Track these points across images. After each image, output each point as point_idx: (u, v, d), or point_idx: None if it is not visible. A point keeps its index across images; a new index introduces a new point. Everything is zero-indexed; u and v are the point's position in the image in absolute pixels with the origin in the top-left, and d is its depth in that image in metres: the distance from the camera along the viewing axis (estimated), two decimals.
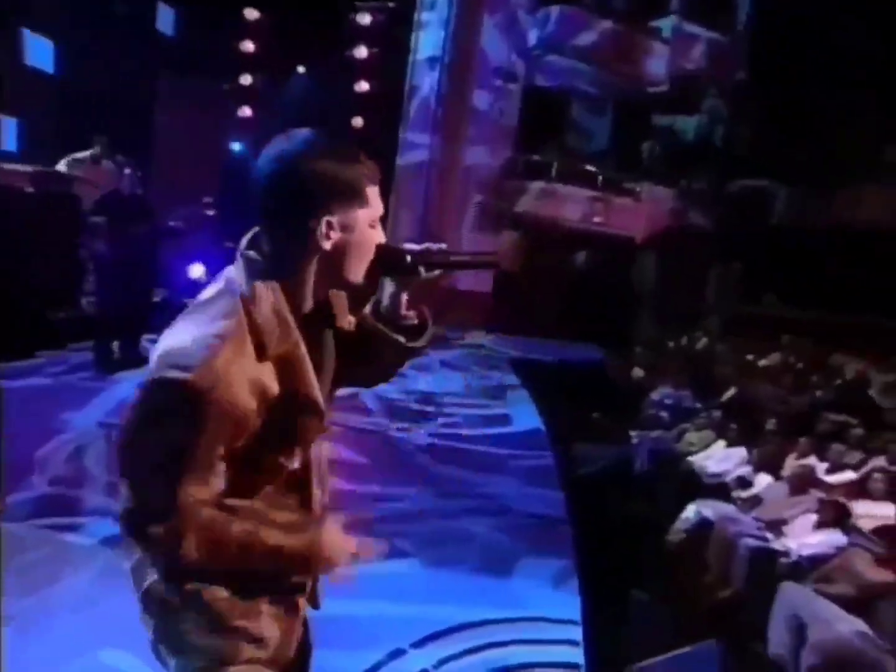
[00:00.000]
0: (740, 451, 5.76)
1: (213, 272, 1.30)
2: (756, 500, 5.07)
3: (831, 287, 9.53)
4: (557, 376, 7.60)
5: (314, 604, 1.40)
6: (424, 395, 6.66)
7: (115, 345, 5.72)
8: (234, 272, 1.22)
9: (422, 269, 1.27)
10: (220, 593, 1.25)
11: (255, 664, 1.28)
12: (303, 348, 1.22)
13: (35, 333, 5.84)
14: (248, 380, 1.16)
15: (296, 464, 1.27)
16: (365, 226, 1.22)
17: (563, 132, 11.76)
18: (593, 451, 5.88)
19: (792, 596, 3.96)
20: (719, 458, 5.83)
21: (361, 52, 10.88)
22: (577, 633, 3.33)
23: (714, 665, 3.24)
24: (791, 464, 5.40)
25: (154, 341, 1.25)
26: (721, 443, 6.05)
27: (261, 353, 1.17)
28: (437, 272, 1.28)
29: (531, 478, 5.17)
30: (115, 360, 5.67)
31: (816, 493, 4.81)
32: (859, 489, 4.89)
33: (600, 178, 10.90)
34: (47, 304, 6.26)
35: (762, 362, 8.64)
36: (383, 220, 1.30)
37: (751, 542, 4.48)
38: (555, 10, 10.82)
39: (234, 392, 1.14)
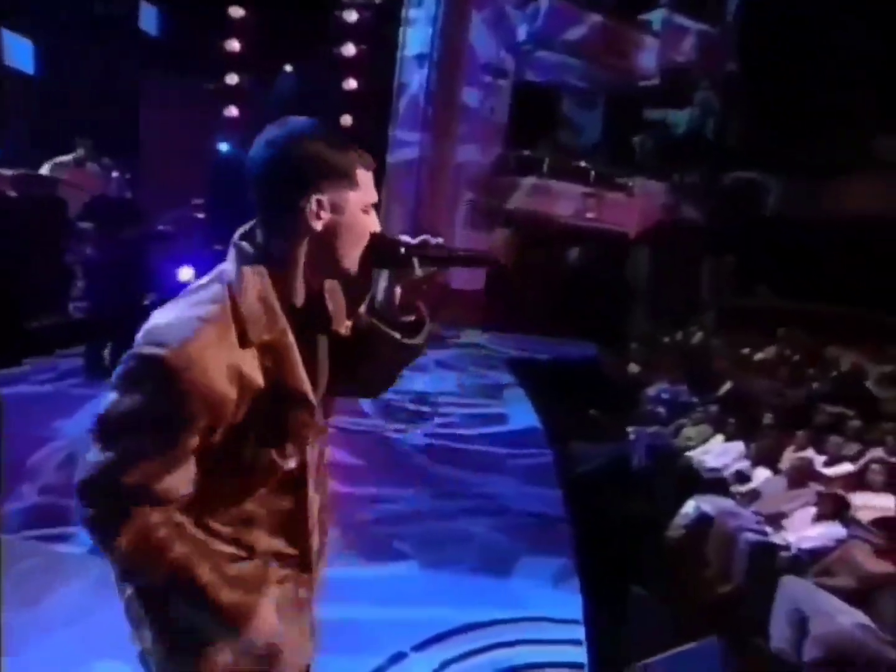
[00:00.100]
0: (738, 446, 5.76)
1: (202, 275, 1.27)
2: (755, 494, 5.07)
3: (825, 279, 9.54)
4: (553, 374, 7.58)
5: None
6: (420, 395, 6.61)
7: (106, 350, 5.66)
8: (226, 262, 1.22)
9: (416, 263, 1.23)
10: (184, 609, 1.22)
11: None
12: (290, 338, 1.19)
13: (22, 340, 5.76)
14: (227, 365, 1.13)
15: (291, 463, 1.23)
16: (356, 209, 1.20)
17: (554, 128, 11.72)
18: (591, 449, 5.87)
19: (793, 589, 3.95)
20: (717, 453, 5.82)
21: (349, 49, 10.76)
22: (579, 632, 3.31)
23: (717, 661, 3.23)
24: (789, 457, 5.40)
25: None
26: (719, 437, 6.04)
27: (245, 341, 1.15)
28: (432, 269, 1.25)
29: (529, 477, 5.15)
30: (106, 365, 5.60)
31: (815, 486, 4.81)
32: (857, 481, 4.90)
33: (592, 173, 10.87)
34: (34, 310, 6.17)
35: (758, 356, 8.66)
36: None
37: (751, 536, 4.47)
38: (544, 5, 10.73)
39: (210, 376, 1.12)
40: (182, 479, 1.17)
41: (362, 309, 1.32)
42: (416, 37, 10.64)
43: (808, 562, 4.21)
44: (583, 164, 11.01)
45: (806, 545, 4.33)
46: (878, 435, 5.67)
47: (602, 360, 8.56)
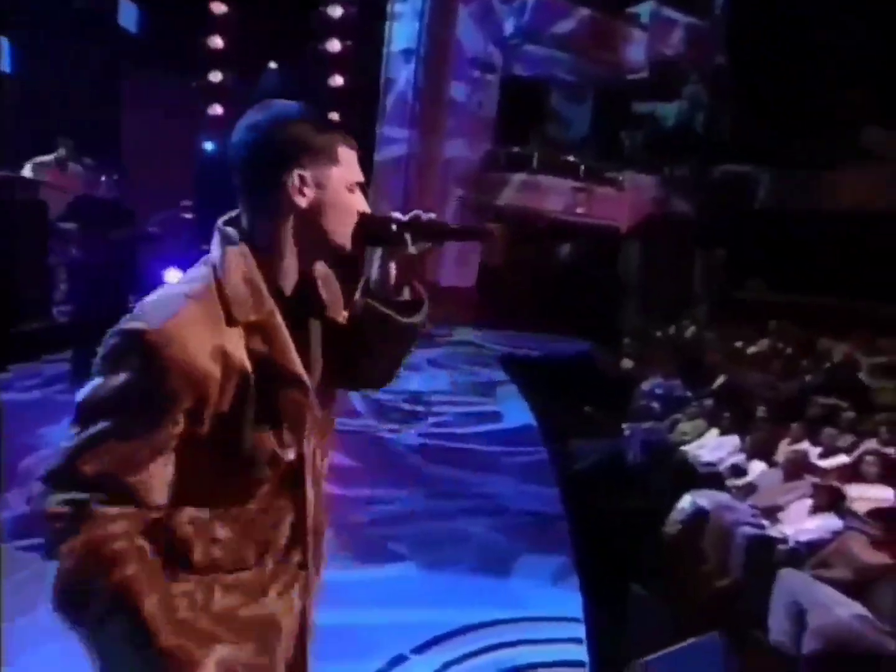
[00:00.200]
0: (733, 440, 5.76)
1: None
2: (751, 488, 5.07)
3: (816, 271, 9.59)
4: (546, 371, 7.56)
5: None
6: (413, 394, 6.57)
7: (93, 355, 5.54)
8: (211, 246, 1.19)
9: (408, 239, 1.19)
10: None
11: None
12: (279, 319, 1.16)
13: (5, 346, 5.65)
14: (210, 343, 1.10)
15: (290, 454, 1.18)
16: (340, 186, 1.18)
17: (542, 122, 11.70)
18: (586, 446, 5.85)
19: (790, 582, 3.95)
20: (712, 447, 5.82)
21: (334, 45, 10.60)
22: (579, 630, 3.29)
23: (719, 656, 3.22)
24: (784, 450, 5.40)
25: None
26: (714, 431, 6.04)
27: (230, 320, 1.12)
28: (427, 245, 1.21)
29: (525, 475, 5.13)
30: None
31: (810, 478, 4.81)
32: (852, 472, 4.91)
33: (582, 167, 10.86)
34: (18, 315, 6.05)
35: (751, 349, 8.68)
36: None
37: (747, 530, 4.47)
38: None
39: (191, 352, 1.07)
40: (157, 477, 1.09)
41: (357, 295, 1.28)
42: (402, 32, 10.57)
43: (806, 554, 4.21)
44: (572, 158, 11.00)
45: (803, 538, 4.34)
46: (871, 426, 5.69)
47: (595, 356, 8.55)
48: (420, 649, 3.04)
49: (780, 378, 7.30)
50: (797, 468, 4.94)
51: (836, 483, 4.67)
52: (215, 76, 10.64)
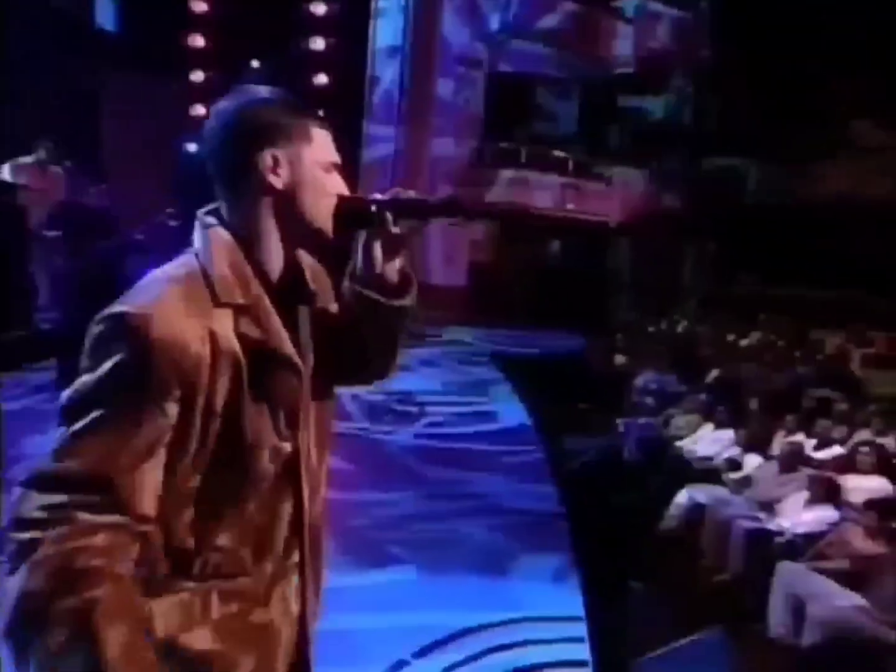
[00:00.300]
0: (728, 433, 5.76)
1: None
2: (747, 481, 5.07)
3: (806, 263, 9.63)
4: (539, 368, 7.54)
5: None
6: (405, 395, 6.53)
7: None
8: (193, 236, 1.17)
9: (390, 219, 1.16)
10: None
11: None
12: (267, 302, 1.12)
13: None
14: (197, 323, 1.06)
15: (287, 446, 1.15)
16: (314, 165, 1.16)
17: (530, 118, 11.68)
18: (581, 443, 5.85)
19: (789, 575, 3.96)
20: (708, 441, 5.83)
21: (318, 43, 10.46)
22: (581, 629, 3.28)
23: (721, 651, 3.22)
24: (779, 442, 5.42)
25: None
26: (709, 426, 6.05)
27: (217, 303, 1.09)
28: (412, 223, 1.19)
29: (522, 474, 5.11)
30: None
31: (806, 471, 4.82)
32: (847, 463, 4.92)
33: (570, 163, 10.85)
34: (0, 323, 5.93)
35: (743, 342, 8.70)
36: None
37: (745, 523, 4.47)
38: None
39: (177, 333, 1.03)
40: (146, 482, 1.02)
41: (345, 282, 1.24)
42: (386, 28, 10.50)
43: (803, 547, 4.22)
44: (561, 154, 10.98)
45: (800, 530, 4.35)
46: (864, 417, 5.72)
47: (588, 353, 8.55)
48: (421, 653, 3.03)
49: (773, 370, 7.32)
50: (793, 460, 4.94)
51: (831, 474, 4.69)
52: (197, 76, 10.49)
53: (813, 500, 4.51)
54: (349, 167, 1.22)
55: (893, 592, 3.66)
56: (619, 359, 8.35)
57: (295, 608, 1.22)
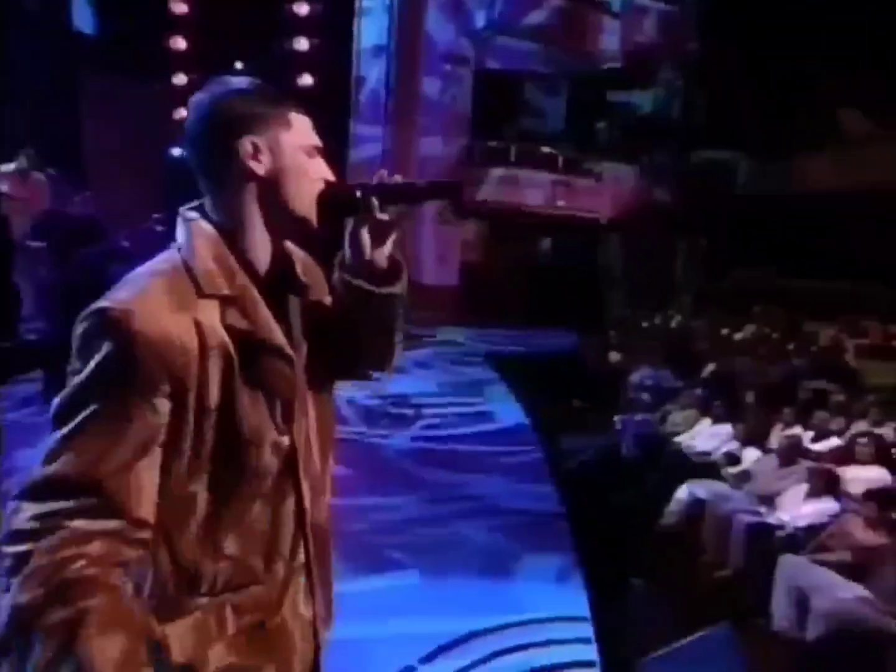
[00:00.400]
0: (726, 428, 5.76)
1: None
2: (746, 476, 5.06)
3: (798, 254, 9.66)
4: (534, 367, 7.52)
5: None
6: (400, 397, 6.50)
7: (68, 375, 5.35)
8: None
9: (376, 205, 1.14)
10: None
11: None
12: (255, 292, 1.11)
13: None
14: (183, 315, 1.04)
15: (285, 440, 1.12)
16: (295, 150, 1.14)
17: (518, 115, 11.65)
18: (579, 442, 5.83)
19: (791, 568, 3.96)
20: (706, 436, 5.82)
21: (301, 44, 10.34)
22: (587, 629, 3.26)
23: (730, 647, 3.20)
24: (777, 435, 5.42)
25: None
26: (706, 420, 6.04)
27: (201, 294, 1.07)
28: (401, 209, 1.16)
29: (521, 474, 5.10)
30: None
31: (805, 463, 4.82)
32: (846, 454, 4.92)
33: (560, 159, 10.83)
34: None
35: (737, 336, 8.72)
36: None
37: (746, 518, 4.46)
38: None
39: (162, 325, 1.02)
40: (141, 484, 0.98)
41: (336, 273, 1.23)
42: (371, 27, 10.43)
43: (804, 539, 4.21)
44: (550, 150, 10.95)
45: (801, 523, 4.34)
46: (861, 408, 5.73)
47: (582, 350, 8.54)
48: (428, 659, 3.01)
49: (768, 363, 7.34)
50: (791, 453, 4.94)
51: (830, 466, 4.68)
52: (180, 79, 10.35)
53: (813, 493, 4.50)
54: (336, 168, 1.20)
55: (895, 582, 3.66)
56: (614, 356, 8.35)
57: (305, 612, 1.20)
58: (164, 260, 1.11)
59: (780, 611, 3.87)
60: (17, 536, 0.95)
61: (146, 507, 1.00)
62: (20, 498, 0.97)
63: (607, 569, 3.89)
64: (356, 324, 1.20)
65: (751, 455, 5.30)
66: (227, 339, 1.07)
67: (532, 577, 3.74)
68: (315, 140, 1.17)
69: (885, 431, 5.31)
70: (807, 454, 5.04)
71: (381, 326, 1.22)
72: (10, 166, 6.89)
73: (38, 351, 5.72)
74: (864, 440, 4.90)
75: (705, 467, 5.25)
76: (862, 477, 4.63)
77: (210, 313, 1.06)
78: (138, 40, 9.27)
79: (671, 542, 4.72)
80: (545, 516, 4.45)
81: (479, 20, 10.68)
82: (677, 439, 5.91)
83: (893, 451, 4.99)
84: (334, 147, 1.23)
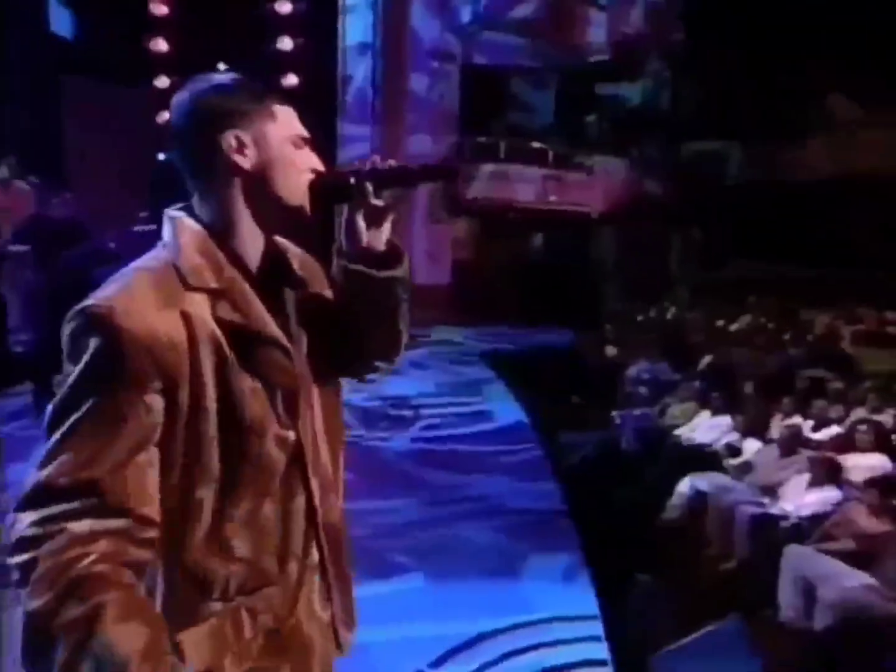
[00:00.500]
0: (726, 419, 5.75)
1: None
2: (747, 467, 5.05)
3: (791, 243, 9.67)
4: (530, 364, 7.50)
5: None
6: (398, 399, 6.46)
7: (56, 385, 5.26)
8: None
9: (370, 190, 1.13)
10: None
11: None
12: (245, 285, 1.09)
13: None
14: (170, 309, 1.03)
15: (291, 434, 1.10)
16: (282, 141, 1.13)
17: (506, 110, 11.61)
18: (579, 438, 5.81)
19: (796, 558, 3.95)
20: (705, 429, 5.81)
21: (285, 43, 10.20)
22: (596, 628, 3.24)
23: (739, 640, 3.19)
24: (777, 425, 5.41)
25: None
26: (705, 413, 6.03)
27: (189, 287, 1.06)
28: (396, 193, 1.15)
29: (522, 473, 5.07)
30: None
31: (806, 452, 4.82)
32: (846, 442, 4.92)
33: (551, 154, 10.79)
34: None
35: (733, 326, 8.73)
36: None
37: (749, 509, 4.46)
38: None
39: (149, 320, 1.00)
40: (140, 481, 0.97)
41: (334, 264, 1.20)
42: (356, 25, 10.35)
43: (809, 529, 4.21)
44: (540, 145, 10.91)
45: (804, 512, 4.34)
46: (859, 395, 5.73)
47: (578, 346, 8.53)
48: (438, 663, 2.99)
49: (765, 353, 7.34)
50: (792, 443, 4.94)
51: (831, 454, 4.68)
52: (162, 81, 10.23)
53: (815, 482, 4.50)
54: (325, 168, 1.18)
55: None
56: (611, 350, 8.34)
57: (322, 614, 1.18)
58: (150, 258, 1.10)
59: (787, 601, 3.86)
60: (20, 545, 0.94)
61: (150, 506, 0.99)
62: (19, 508, 0.96)
63: (612, 565, 3.87)
64: (358, 314, 1.18)
65: (751, 446, 5.29)
66: (218, 331, 1.05)
67: (538, 577, 3.72)
68: (301, 131, 1.16)
69: (884, 418, 5.31)
70: (807, 443, 5.04)
71: (384, 313, 1.20)
72: None
73: (27, 363, 5.64)
74: (863, 427, 4.90)
75: (706, 459, 5.24)
76: (862, 464, 4.63)
77: (199, 306, 1.05)
78: (118, 43, 9.17)
79: (675, 536, 4.70)
80: (547, 515, 4.43)
81: (465, 15, 10.63)
82: (677, 432, 5.90)
83: (893, 437, 4.99)
84: (322, 147, 1.20)
